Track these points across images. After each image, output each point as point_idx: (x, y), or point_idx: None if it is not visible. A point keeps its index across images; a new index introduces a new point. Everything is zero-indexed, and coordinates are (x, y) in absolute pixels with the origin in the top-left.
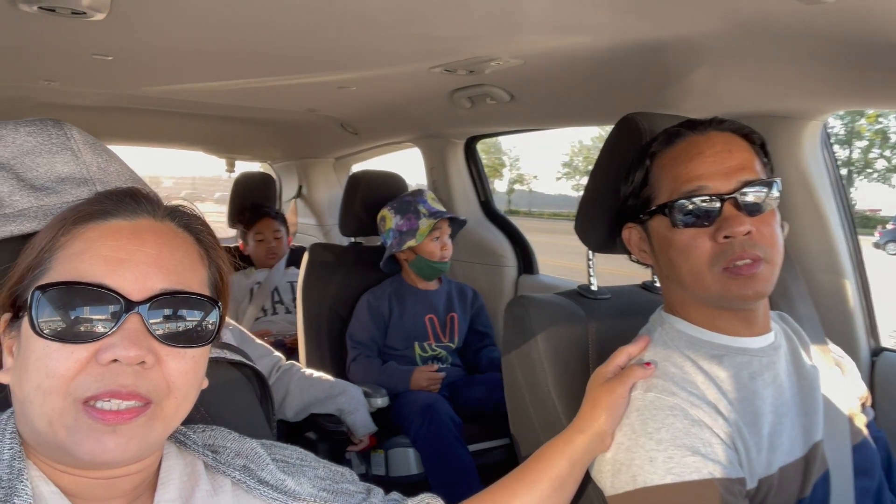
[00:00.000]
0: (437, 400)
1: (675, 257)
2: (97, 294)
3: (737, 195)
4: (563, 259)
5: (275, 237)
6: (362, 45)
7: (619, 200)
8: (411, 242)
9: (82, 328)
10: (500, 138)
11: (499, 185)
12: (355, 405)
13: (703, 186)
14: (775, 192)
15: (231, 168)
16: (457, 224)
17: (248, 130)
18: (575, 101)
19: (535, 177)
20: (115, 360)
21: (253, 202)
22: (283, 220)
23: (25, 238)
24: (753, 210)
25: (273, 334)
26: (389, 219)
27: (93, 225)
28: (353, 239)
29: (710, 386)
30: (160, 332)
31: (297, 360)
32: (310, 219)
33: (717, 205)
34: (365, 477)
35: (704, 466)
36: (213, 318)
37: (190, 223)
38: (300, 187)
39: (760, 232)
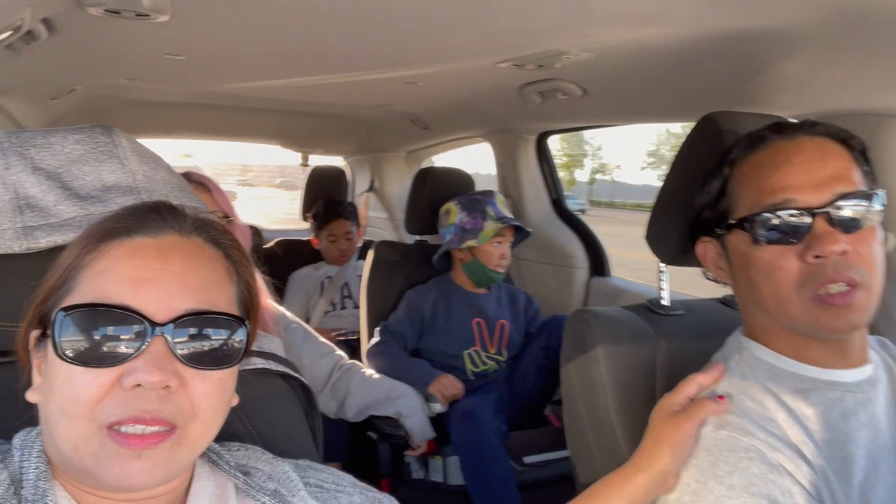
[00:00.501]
0: (479, 406)
1: (757, 278)
2: (120, 316)
3: (830, 209)
4: (644, 252)
5: (346, 238)
6: (427, 42)
7: (694, 210)
8: (472, 242)
9: (105, 351)
10: None
11: (580, 175)
12: (413, 409)
13: (790, 199)
14: (877, 206)
15: (305, 162)
16: (521, 234)
17: (322, 125)
18: (651, 96)
19: (617, 166)
20: (140, 385)
21: (327, 199)
22: (357, 220)
23: None
24: (850, 226)
25: (343, 329)
26: (454, 213)
27: (117, 242)
28: (418, 237)
29: (793, 425)
30: (185, 353)
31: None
32: (381, 213)
33: (808, 220)
34: (423, 483)
35: None
36: (240, 336)
37: (218, 238)
38: (372, 181)
39: (858, 252)
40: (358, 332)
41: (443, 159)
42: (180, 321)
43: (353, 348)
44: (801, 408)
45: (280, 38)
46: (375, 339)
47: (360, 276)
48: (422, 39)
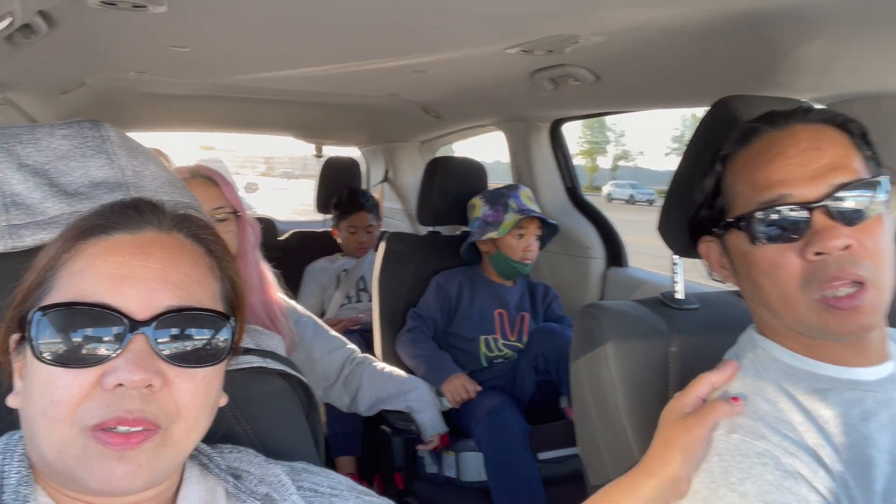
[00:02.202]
0: (506, 405)
1: (759, 278)
2: (100, 314)
3: (828, 202)
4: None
5: (367, 231)
6: (433, 28)
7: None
8: (492, 234)
9: (85, 351)
10: None
11: (602, 162)
12: (424, 404)
13: (785, 194)
14: (881, 195)
15: (319, 153)
16: (549, 228)
17: (334, 116)
18: (666, 81)
19: (641, 152)
20: (121, 385)
21: (350, 190)
22: (378, 212)
23: None
24: (853, 218)
25: (361, 319)
26: (479, 207)
27: (95, 240)
28: (430, 228)
29: (810, 428)
30: (167, 352)
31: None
32: (396, 203)
33: (805, 215)
34: (437, 477)
35: None
36: (224, 334)
37: (199, 233)
38: (386, 171)
39: (863, 245)
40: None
41: (463, 149)
42: (162, 319)
43: (367, 340)
44: (819, 409)
45: (283, 28)
46: (406, 326)
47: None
48: (428, 25)
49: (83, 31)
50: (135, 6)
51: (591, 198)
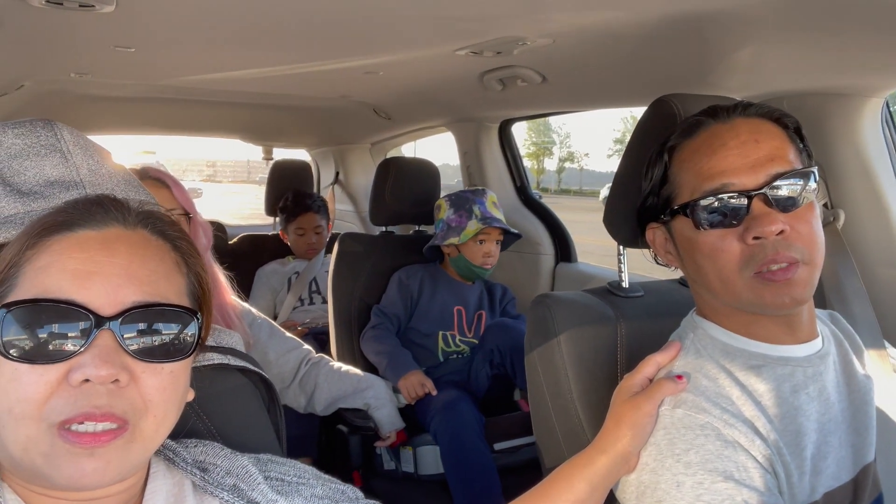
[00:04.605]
0: (461, 398)
1: (702, 262)
2: (65, 310)
3: (766, 190)
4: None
5: (315, 232)
6: (384, 29)
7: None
8: (453, 240)
9: (51, 347)
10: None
11: (549, 164)
12: (382, 401)
13: (727, 184)
14: (812, 184)
15: (268, 155)
16: (511, 236)
17: (284, 118)
18: (610, 81)
19: (586, 154)
20: (88, 381)
21: (296, 192)
22: (326, 213)
23: None
24: (787, 206)
25: (307, 322)
26: (444, 209)
27: (59, 237)
28: (384, 228)
29: (747, 401)
30: (134, 347)
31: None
32: (348, 205)
33: (745, 202)
34: (395, 473)
35: (738, 493)
36: (191, 329)
37: (164, 230)
38: (337, 173)
39: (796, 230)
40: (327, 326)
41: (424, 151)
42: (128, 314)
43: (321, 342)
44: (754, 384)
45: (233, 28)
46: (370, 323)
47: (328, 272)
48: (378, 26)
49: (24, 31)
50: (81, 6)
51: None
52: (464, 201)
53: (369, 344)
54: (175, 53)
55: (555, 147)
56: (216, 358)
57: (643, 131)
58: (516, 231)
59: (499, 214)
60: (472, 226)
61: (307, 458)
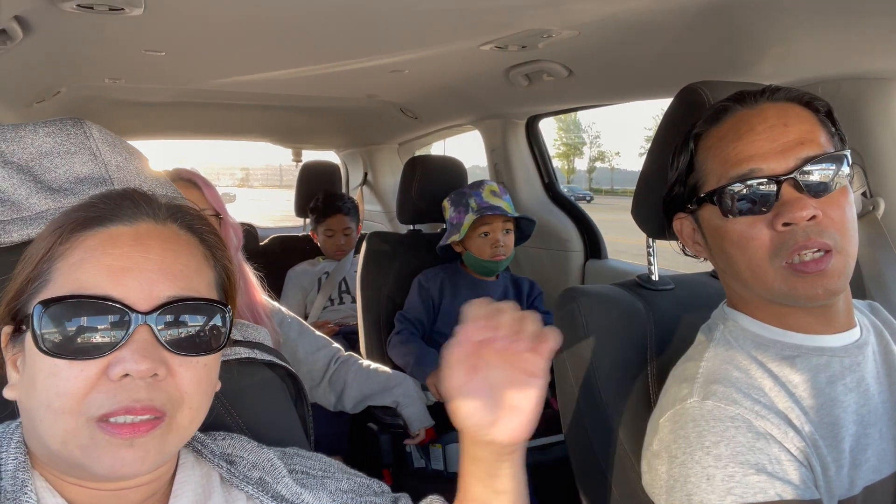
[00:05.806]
0: None
1: (731, 250)
2: (102, 306)
3: (796, 175)
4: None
5: (344, 234)
6: (409, 26)
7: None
8: (455, 237)
9: (89, 343)
10: (579, 114)
11: (579, 164)
12: (410, 398)
13: (755, 169)
14: (846, 168)
15: (297, 158)
16: (527, 225)
17: (312, 119)
18: (637, 72)
19: (617, 153)
20: (127, 375)
21: (326, 193)
22: (356, 215)
23: None
24: (819, 191)
25: (339, 321)
26: (447, 210)
27: (91, 232)
28: (411, 227)
29: (780, 393)
30: (170, 341)
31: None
32: (376, 205)
33: (774, 188)
34: (425, 471)
35: (771, 487)
36: (223, 322)
37: (193, 224)
38: (365, 174)
39: (828, 216)
40: (356, 325)
41: (453, 152)
42: (163, 309)
43: (351, 342)
44: (788, 375)
45: (259, 30)
46: (395, 329)
47: (357, 272)
48: (403, 23)
49: (59, 37)
50: (111, 9)
51: None
52: (461, 197)
53: (395, 349)
54: (203, 56)
55: (585, 147)
56: (243, 352)
57: (671, 121)
58: (519, 214)
59: (499, 202)
60: (468, 219)
61: (338, 457)
